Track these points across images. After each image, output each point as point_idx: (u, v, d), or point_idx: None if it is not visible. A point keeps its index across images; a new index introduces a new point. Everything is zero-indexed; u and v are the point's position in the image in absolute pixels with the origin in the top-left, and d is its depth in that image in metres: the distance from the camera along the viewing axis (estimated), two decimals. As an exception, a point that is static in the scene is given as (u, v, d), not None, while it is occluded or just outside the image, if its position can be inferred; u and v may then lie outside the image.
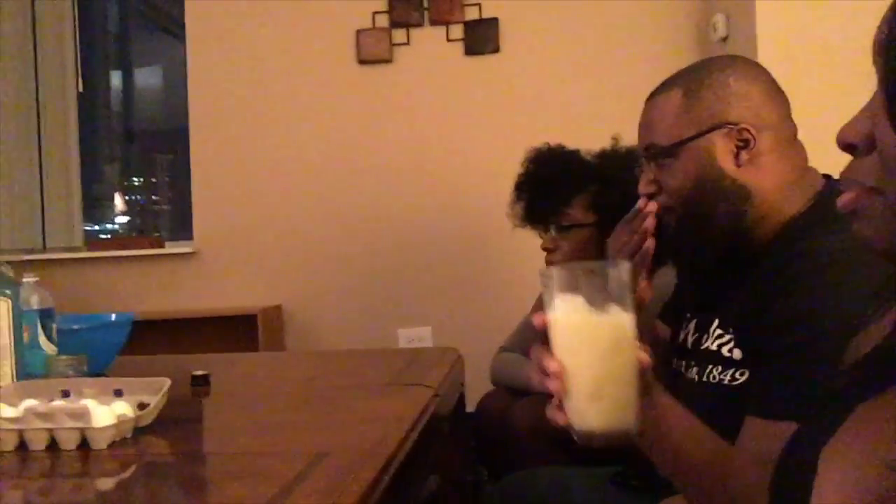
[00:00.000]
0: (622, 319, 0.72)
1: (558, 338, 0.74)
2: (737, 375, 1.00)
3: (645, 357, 0.74)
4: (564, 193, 1.79)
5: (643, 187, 1.16)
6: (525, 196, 1.88)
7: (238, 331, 3.00)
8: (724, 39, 2.81)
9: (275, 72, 3.30)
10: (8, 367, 1.22)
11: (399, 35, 3.21)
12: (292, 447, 0.97)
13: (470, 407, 1.84)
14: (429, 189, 3.21)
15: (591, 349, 0.71)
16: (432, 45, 3.20)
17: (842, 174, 0.59)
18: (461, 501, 1.79)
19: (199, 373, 1.43)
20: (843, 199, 0.55)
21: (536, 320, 0.74)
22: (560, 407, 0.75)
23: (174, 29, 3.43)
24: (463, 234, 3.19)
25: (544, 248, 1.84)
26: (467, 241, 3.18)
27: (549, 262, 1.85)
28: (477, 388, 2.06)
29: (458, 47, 3.19)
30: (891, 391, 0.53)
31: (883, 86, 0.48)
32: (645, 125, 1.14)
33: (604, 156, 1.86)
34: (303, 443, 0.94)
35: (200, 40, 3.36)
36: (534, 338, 2.16)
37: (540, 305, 2.13)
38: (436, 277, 3.19)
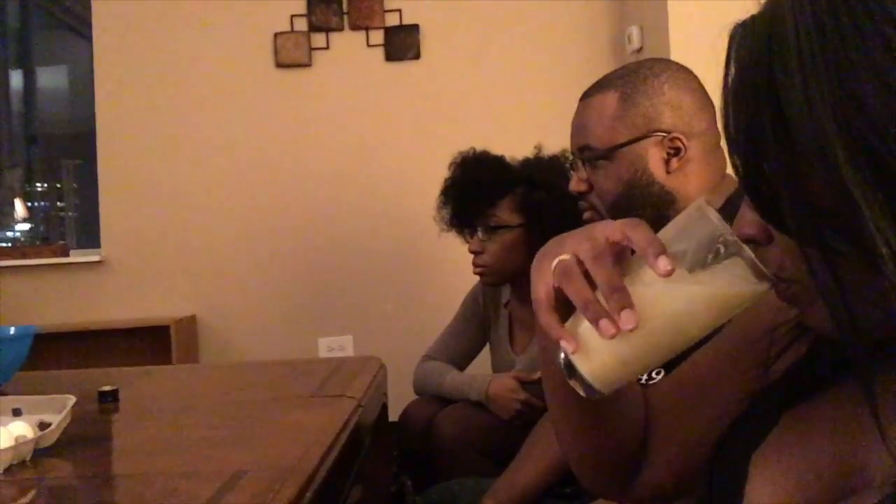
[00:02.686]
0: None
1: (680, 302, 0.53)
2: (653, 375, 1.01)
3: None
4: (491, 195, 1.82)
5: (574, 185, 1.18)
6: (452, 199, 1.91)
7: (150, 343, 2.88)
8: (639, 50, 2.89)
9: (189, 74, 3.20)
10: None
11: (318, 39, 3.16)
12: (208, 466, 0.93)
13: (393, 416, 1.82)
14: (348, 195, 3.17)
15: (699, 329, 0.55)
16: (352, 51, 3.17)
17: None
18: (385, 513, 1.76)
19: (107, 388, 1.36)
20: (778, 297, 0.52)
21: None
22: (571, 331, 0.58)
23: (80, 27, 3.27)
24: (384, 241, 3.16)
25: (472, 251, 1.86)
26: (388, 248, 3.16)
27: (476, 265, 1.86)
28: (400, 398, 2.04)
29: (379, 53, 3.17)
30: (817, 398, 0.54)
31: (744, 190, 0.47)
32: (579, 126, 1.16)
33: (528, 162, 1.90)
34: (220, 461, 0.90)
35: (109, 39, 3.22)
36: (456, 346, 2.15)
37: (466, 312, 2.13)
38: (356, 285, 3.15)
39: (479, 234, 1.84)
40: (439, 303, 3.10)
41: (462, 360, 2.04)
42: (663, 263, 0.49)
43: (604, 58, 3.11)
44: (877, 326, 0.44)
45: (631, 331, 0.51)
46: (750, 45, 0.45)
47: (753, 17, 0.45)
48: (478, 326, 2.04)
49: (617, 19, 3.12)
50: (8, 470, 0.93)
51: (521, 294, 1.91)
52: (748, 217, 0.51)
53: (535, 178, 1.81)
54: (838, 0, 0.39)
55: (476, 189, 1.85)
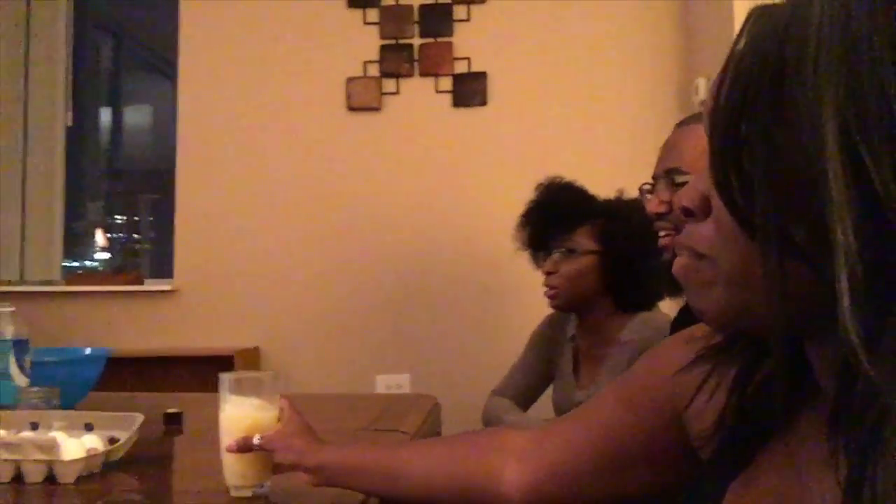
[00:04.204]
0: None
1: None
2: None
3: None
4: (571, 220, 1.88)
5: (655, 206, 1.21)
6: (534, 220, 1.97)
7: (214, 371, 2.95)
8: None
9: (265, 116, 3.34)
10: (-23, 397, 1.20)
11: (389, 84, 3.26)
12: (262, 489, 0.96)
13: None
14: (413, 237, 3.22)
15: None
16: (421, 96, 3.26)
17: (676, 240, 0.58)
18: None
19: (173, 411, 1.42)
20: (675, 267, 0.53)
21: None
22: None
23: (166, 70, 3.46)
24: (444, 283, 3.19)
25: (545, 272, 1.90)
26: (448, 290, 3.19)
27: (547, 285, 1.90)
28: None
29: (447, 99, 3.25)
30: (754, 464, 0.54)
31: (709, 156, 0.47)
32: (672, 148, 1.19)
33: (610, 200, 1.96)
34: (275, 484, 0.93)
35: (192, 82, 3.39)
36: (523, 381, 2.17)
37: (533, 347, 2.15)
38: (416, 324, 3.19)
39: (555, 256, 1.88)
40: (497, 344, 3.11)
41: (528, 396, 2.05)
42: None
43: (670, 108, 3.12)
44: (798, 321, 0.45)
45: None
46: (768, 21, 0.45)
47: (775, 3, 0.46)
48: (545, 361, 2.05)
49: (684, 70, 3.12)
50: (78, 480, 0.98)
51: (587, 326, 1.92)
52: (691, 189, 0.51)
53: (616, 211, 1.88)
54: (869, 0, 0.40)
55: (558, 212, 1.92)
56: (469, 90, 3.23)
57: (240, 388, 0.93)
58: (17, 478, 0.98)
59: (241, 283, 3.29)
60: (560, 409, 1.96)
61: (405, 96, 3.26)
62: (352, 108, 3.26)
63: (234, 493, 0.90)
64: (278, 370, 3.23)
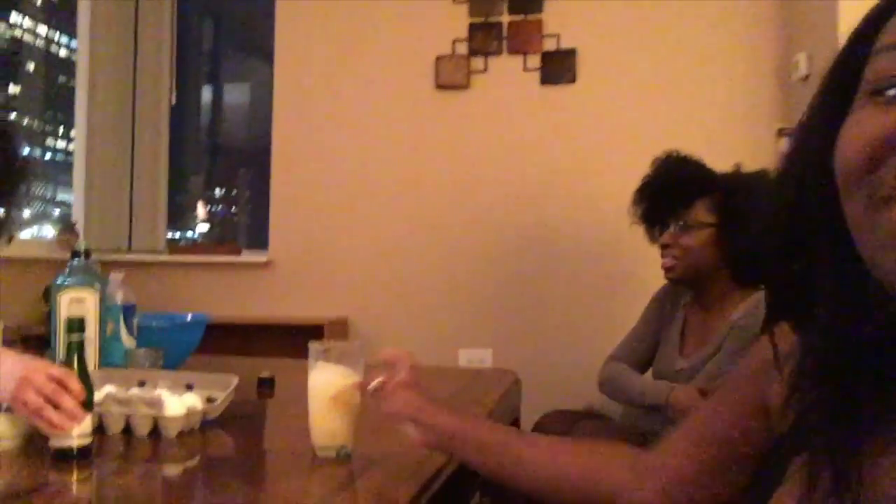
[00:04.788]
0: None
1: None
2: None
3: None
4: (690, 194, 1.87)
5: None
6: (650, 194, 1.97)
7: (305, 340, 3.07)
8: (806, 78, 2.77)
9: (356, 94, 3.41)
10: (92, 354, 1.31)
11: (477, 63, 3.27)
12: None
13: (526, 429, 1.85)
14: (499, 212, 3.24)
15: None
16: (509, 74, 3.25)
17: None
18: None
19: (266, 375, 1.50)
20: None
21: None
22: None
23: (264, 50, 3.60)
24: (529, 260, 3.20)
25: (663, 244, 1.90)
26: (533, 267, 3.20)
27: (665, 258, 1.91)
28: (536, 411, 2.07)
29: (535, 76, 3.23)
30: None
31: None
32: None
33: (728, 173, 1.93)
34: (357, 448, 0.98)
35: (287, 62, 3.51)
36: (639, 349, 2.19)
37: (648, 316, 2.17)
38: (500, 300, 3.22)
39: (673, 229, 1.89)
40: (579, 322, 3.11)
41: (644, 361, 2.05)
42: None
43: (767, 84, 3.01)
44: None
45: None
46: None
47: None
48: (657, 329, 2.05)
49: (783, 46, 3.00)
50: (179, 434, 1.06)
51: (701, 299, 1.92)
52: None
53: (734, 184, 1.86)
54: None
55: (676, 186, 1.91)
56: (558, 68, 3.20)
57: (327, 356, 0.98)
58: (127, 430, 1.07)
59: (332, 256, 3.40)
60: (659, 374, 1.96)
61: (493, 74, 3.27)
62: (440, 87, 3.30)
63: (319, 454, 0.96)
64: (365, 340, 3.33)
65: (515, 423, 1.76)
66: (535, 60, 3.22)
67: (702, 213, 1.85)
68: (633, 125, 3.13)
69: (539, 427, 2.01)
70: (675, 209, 1.89)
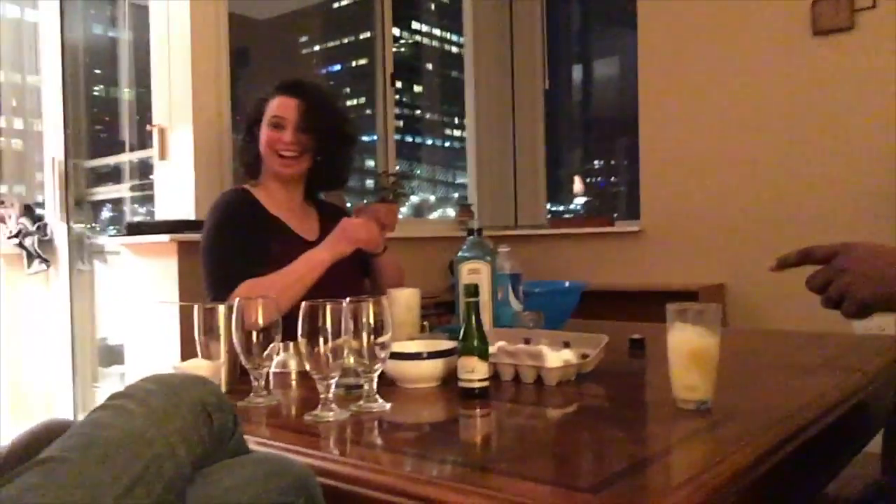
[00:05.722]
0: None
1: None
2: None
3: None
4: None
5: None
6: None
7: (679, 307, 3.11)
8: None
9: (724, 52, 3.31)
10: (487, 317, 1.56)
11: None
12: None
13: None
14: (890, 172, 2.90)
15: None
16: (906, 4, 2.87)
17: None
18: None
19: (636, 336, 1.62)
20: None
21: None
22: None
23: (630, 20, 3.67)
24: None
25: None
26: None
27: None
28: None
29: (940, 2, 2.81)
30: None
31: None
32: None
33: None
34: (718, 401, 1.05)
35: (651, 29, 3.54)
36: None
37: None
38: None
39: None
40: None
41: None
42: None
43: None
44: None
45: None
46: None
47: None
48: None
49: None
50: (559, 384, 1.24)
51: None
52: None
53: None
54: None
55: None
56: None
57: (683, 317, 1.06)
58: (516, 378, 1.28)
59: (706, 221, 3.37)
60: None
61: (884, 9, 2.91)
62: (818, 33, 3.04)
63: (679, 405, 1.05)
64: (744, 307, 3.25)
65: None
66: (938, -15, 2.80)
67: None
68: None
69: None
70: None
